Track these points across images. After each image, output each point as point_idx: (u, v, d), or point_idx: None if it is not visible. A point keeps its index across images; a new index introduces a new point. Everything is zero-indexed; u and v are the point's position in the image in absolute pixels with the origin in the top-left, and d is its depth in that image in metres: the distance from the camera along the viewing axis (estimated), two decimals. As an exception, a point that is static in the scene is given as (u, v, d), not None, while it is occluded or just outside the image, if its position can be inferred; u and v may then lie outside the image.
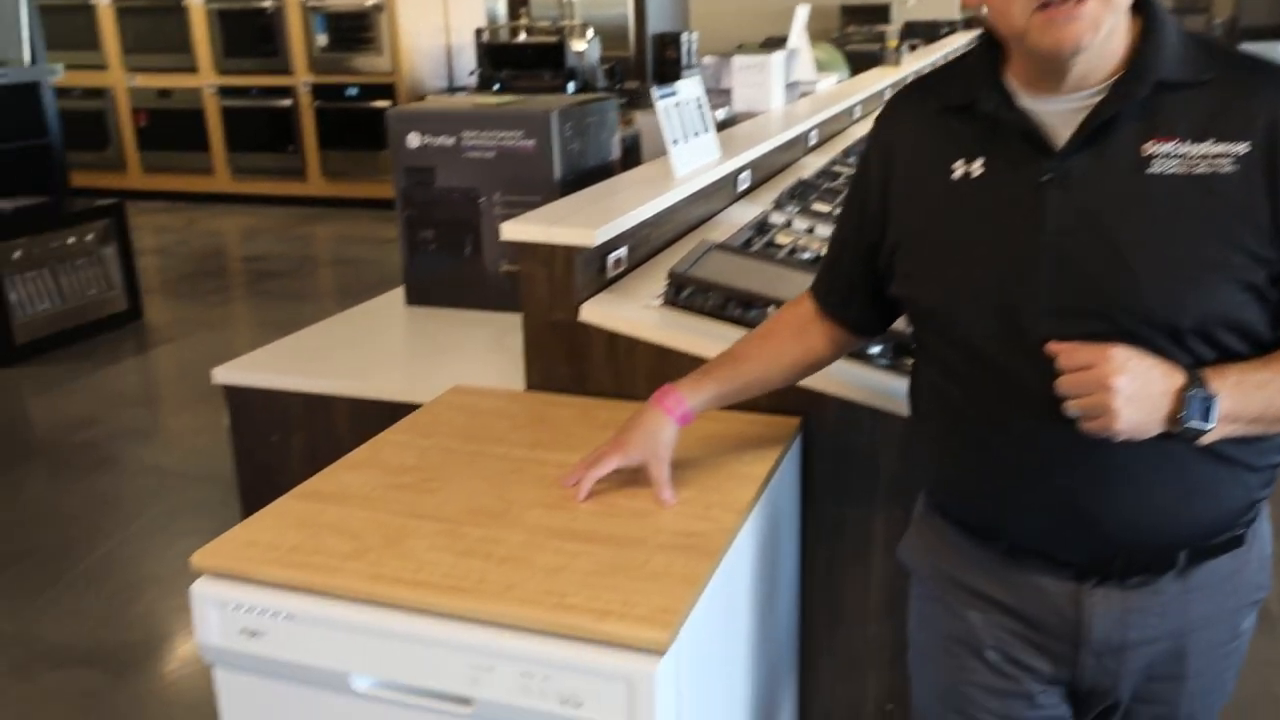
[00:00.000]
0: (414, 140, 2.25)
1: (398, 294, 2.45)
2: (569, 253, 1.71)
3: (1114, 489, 1.12)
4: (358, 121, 8.28)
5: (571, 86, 7.00)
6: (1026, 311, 1.11)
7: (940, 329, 1.19)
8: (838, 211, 2.41)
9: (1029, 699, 1.26)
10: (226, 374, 1.99)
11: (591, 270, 1.78)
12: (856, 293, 1.36)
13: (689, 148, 2.19)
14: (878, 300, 1.33)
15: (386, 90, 8.09)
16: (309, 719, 1.32)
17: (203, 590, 1.31)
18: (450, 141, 2.22)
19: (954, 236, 1.17)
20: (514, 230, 1.73)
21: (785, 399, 1.66)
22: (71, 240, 5.36)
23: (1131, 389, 1.03)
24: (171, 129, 8.85)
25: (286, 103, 8.45)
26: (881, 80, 4.55)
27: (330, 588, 1.25)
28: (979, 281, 1.14)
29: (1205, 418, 1.05)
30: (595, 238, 1.70)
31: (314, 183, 8.62)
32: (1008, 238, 1.13)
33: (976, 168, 1.16)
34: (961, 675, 1.29)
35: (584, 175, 2.24)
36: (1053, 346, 1.08)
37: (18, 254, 5.08)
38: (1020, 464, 1.15)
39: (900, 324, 1.72)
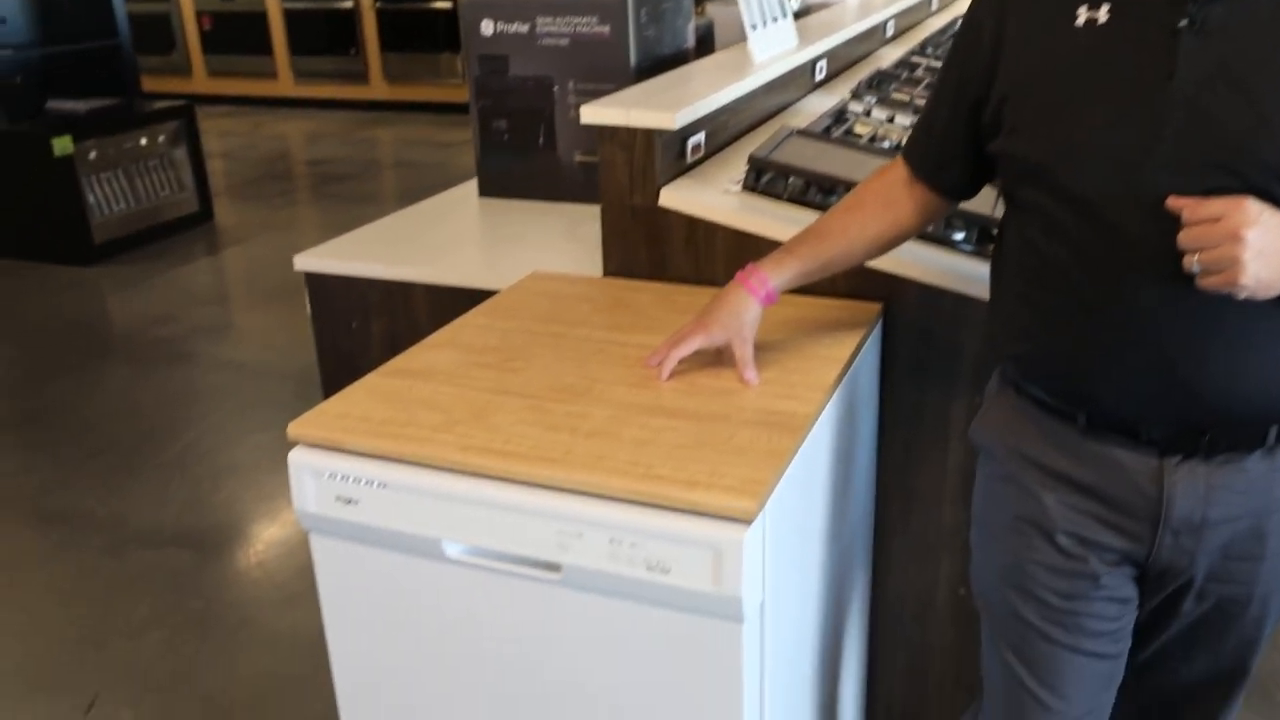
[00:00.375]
0: (487, 28, 2.23)
1: (471, 186, 2.46)
2: (649, 136, 1.69)
3: (1215, 354, 1.10)
4: (419, 24, 8.23)
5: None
6: (1149, 165, 1.07)
7: (1049, 185, 1.15)
8: (919, 101, 2.37)
9: (1094, 579, 1.25)
10: (307, 261, 2.02)
11: (671, 155, 1.76)
12: (954, 154, 1.32)
13: (767, 33, 2.14)
14: (974, 162, 1.30)
15: (447, -9, 8.01)
16: (403, 584, 1.36)
17: (299, 459, 1.35)
18: (524, 29, 2.20)
19: (1072, 87, 1.13)
20: (593, 113, 1.71)
21: (867, 284, 1.65)
22: (144, 142, 5.44)
23: (1262, 243, 1.00)
24: (235, 32, 8.87)
25: (348, 4, 8.40)
26: (958, -27, 4.39)
27: (422, 457, 1.29)
28: (1098, 133, 1.10)
29: None
30: (676, 120, 1.68)
31: (376, 86, 8.61)
32: (1134, 88, 1.09)
33: (1102, 14, 1.11)
34: (1027, 554, 1.28)
35: (659, 63, 2.21)
36: (1177, 201, 1.05)
37: (93, 154, 5.17)
38: (1124, 324, 1.13)
39: (981, 207, 1.70)
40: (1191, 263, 1.04)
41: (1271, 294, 1.04)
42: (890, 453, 1.74)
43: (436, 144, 7.79)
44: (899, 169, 1.39)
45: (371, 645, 1.43)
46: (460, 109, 8.41)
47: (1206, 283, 1.04)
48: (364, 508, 1.33)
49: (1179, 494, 1.18)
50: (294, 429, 1.35)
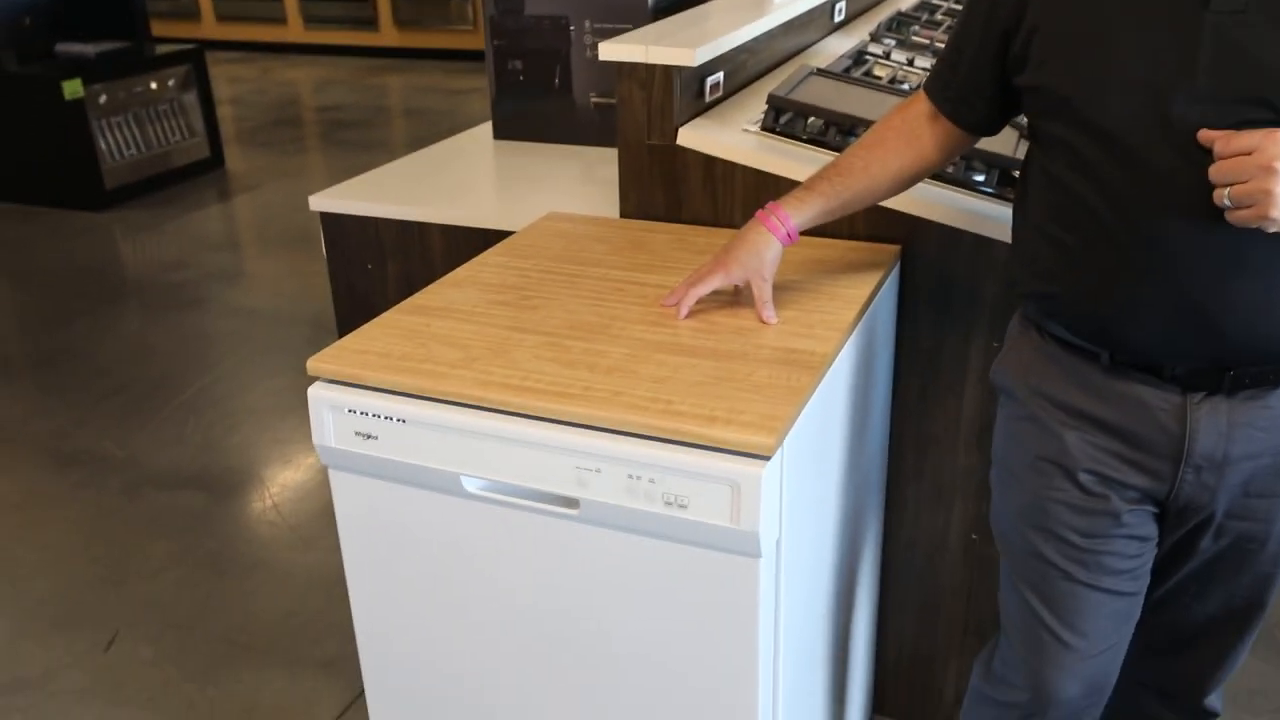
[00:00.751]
0: (502, -34, 2.20)
1: (486, 129, 2.44)
2: (667, 73, 1.67)
3: (1242, 291, 1.10)
4: (429, -32, 8.13)
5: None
6: (1179, 98, 1.06)
7: (1076, 118, 1.14)
8: (939, 44, 2.34)
9: (1115, 517, 1.26)
10: (322, 202, 2.01)
11: (689, 94, 1.74)
12: (979, 89, 1.30)
13: (786, -27, 2.11)
14: (999, 97, 1.29)
15: (458, -65, 7.91)
16: (421, 519, 1.37)
17: (318, 394, 1.35)
18: (540, -33, 2.17)
19: (1102, 17, 1.11)
20: (611, 50, 1.69)
21: (885, 226, 1.64)
22: (154, 86, 5.40)
23: None
24: (243, -24, 8.77)
25: (357, -51, 8.31)
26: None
27: (441, 392, 1.29)
28: (1128, 65, 1.09)
29: None
30: (695, 57, 1.66)
31: (386, 33, 8.53)
32: (1167, 18, 1.07)
33: None
34: (1048, 493, 1.29)
35: (676, 2, 2.19)
36: (1209, 133, 1.04)
37: (103, 98, 5.14)
38: (1149, 261, 1.12)
39: (1002, 148, 1.68)
40: (1222, 197, 1.03)
41: None
42: (906, 395, 1.74)
43: (447, 91, 7.73)
44: (920, 104, 1.38)
45: (390, 581, 1.45)
46: (471, 56, 8.34)
47: (1237, 216, 1.03)
48: (383, 443, 1.33)
49: (1201, 430, 1.18)
50: (313, 364, 1.36)
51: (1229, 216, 1.04)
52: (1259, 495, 1.23)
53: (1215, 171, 1.03)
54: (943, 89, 1.35)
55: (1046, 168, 1.21)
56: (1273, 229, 1.02)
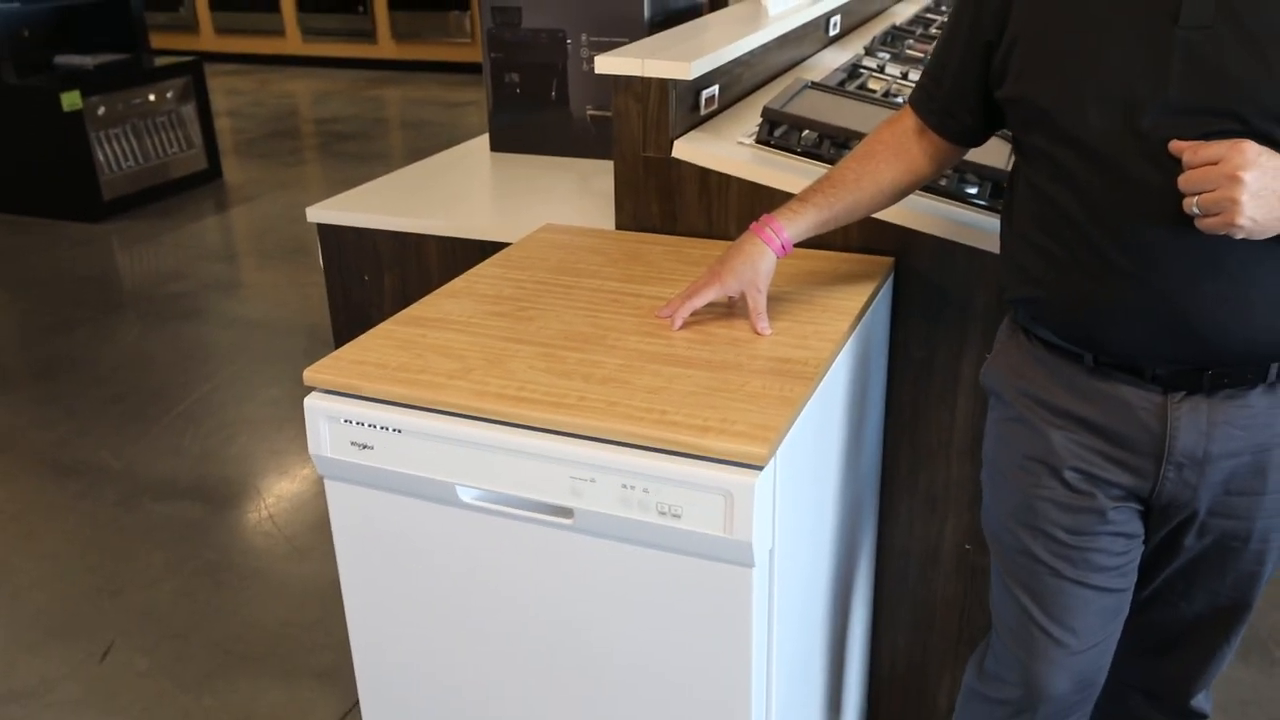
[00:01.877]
0: (500, -20, 2.22)
1: (482, 141, 2.46)
2: (663, 86, 1.69)
3: (1218, 294, 1.12)
4: (427, -19, 8.16)
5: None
6: (1152, 109, 1.09)
7: (1055, 130, 1.17)
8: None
9: (1101, 514, 1.28)
10: (319, 213, 2.02)
11: (685, 107, 1.76)
12: (963, 101, 1.33)
13: (781, -13, 2.12)
14: (983, 108, 1.31)
15: (456, -52, 7.94)
16: (417, 529, 1.38)
17: (315, 404, 1.36)
18: (537, -20, 2.18)
19: (1078, 30, 1.14)
20: (607, 63, 1.71)
21: (879, 237, 1.65)
22: (152, 98, 5.42)
23: (1259, 184, 1.02)
24: (242, -11, 8.80)
25: (355, -38, 8.34)
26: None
27: (437, 402, 1.30)
28: (1102, 77, 1.12)
29: None
30: (691, 70, 1.67)
31: (384, 45, 8.57)
32: (1140, 33, 1.10)
33: None
34: (1036, 491, 1.31)
35: (672, 16, 2.20)
36: (1179, 144, 1.07)
37: (101, 110, 5.15)
38: (1128, 266, 1.15)
39: (995, 160, 1.70)
40: (1191, 205, 1.06)
41: (1268, 235, 1.06)
42: (899, 406, 1.75)
43: (444, 104, 7.76)
44: (908, 118, 1.40)
45: (385, 590, 1.45)
46: (468, 69, 8.37)
47: (1205, 224, 1.06)
48: (379, 453, 1.34)
49: (1182, 429, 1.20)
50: (310, 374, 1.36)
51: (1198, 224, 1.07)
52: (1240, 493, 1.25)
53: (1184, 180, 1.06)
54: (927, 102, 1.37)
55: (1030, 178, 1.24)
56: (1239, 235, 1.05)
